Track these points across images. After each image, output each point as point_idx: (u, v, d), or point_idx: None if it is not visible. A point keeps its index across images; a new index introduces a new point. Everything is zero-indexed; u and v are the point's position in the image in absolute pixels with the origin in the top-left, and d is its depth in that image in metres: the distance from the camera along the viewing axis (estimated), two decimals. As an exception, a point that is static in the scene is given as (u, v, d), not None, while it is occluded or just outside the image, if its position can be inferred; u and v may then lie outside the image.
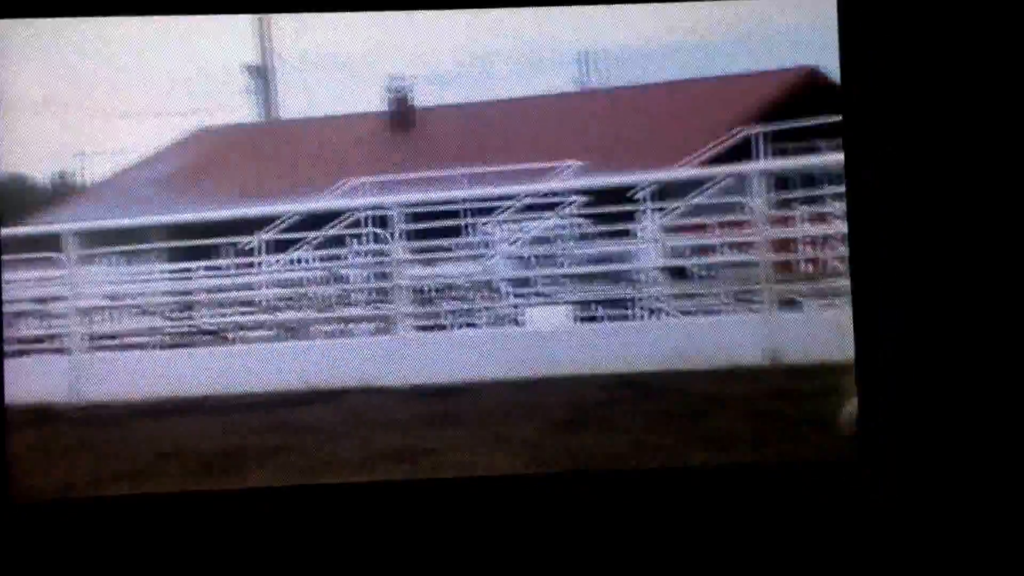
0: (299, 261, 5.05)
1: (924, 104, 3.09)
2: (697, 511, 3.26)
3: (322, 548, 3.66)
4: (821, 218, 4.95)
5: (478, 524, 3.59)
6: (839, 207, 4.92)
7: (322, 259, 5.05)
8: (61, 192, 4.73)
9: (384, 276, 5.04)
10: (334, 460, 4.49)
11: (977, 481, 3.00)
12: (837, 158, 4.66)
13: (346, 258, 5.07)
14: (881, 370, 3.11)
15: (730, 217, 5.02)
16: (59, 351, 4.78)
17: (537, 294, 5.03)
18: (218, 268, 5.02)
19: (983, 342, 3.00)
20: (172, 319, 4.92)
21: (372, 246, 5.05)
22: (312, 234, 5.04)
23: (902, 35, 3.06)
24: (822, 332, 4.62)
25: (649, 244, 5.03)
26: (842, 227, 4.74)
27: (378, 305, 5.04)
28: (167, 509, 3.91)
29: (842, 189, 4.49)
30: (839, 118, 4.74)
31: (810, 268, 4.98)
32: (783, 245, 5.00)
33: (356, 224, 5.07)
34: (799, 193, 5.00)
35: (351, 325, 5.02)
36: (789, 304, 4.90)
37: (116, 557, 3.78)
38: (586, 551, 3.48)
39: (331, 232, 5.06)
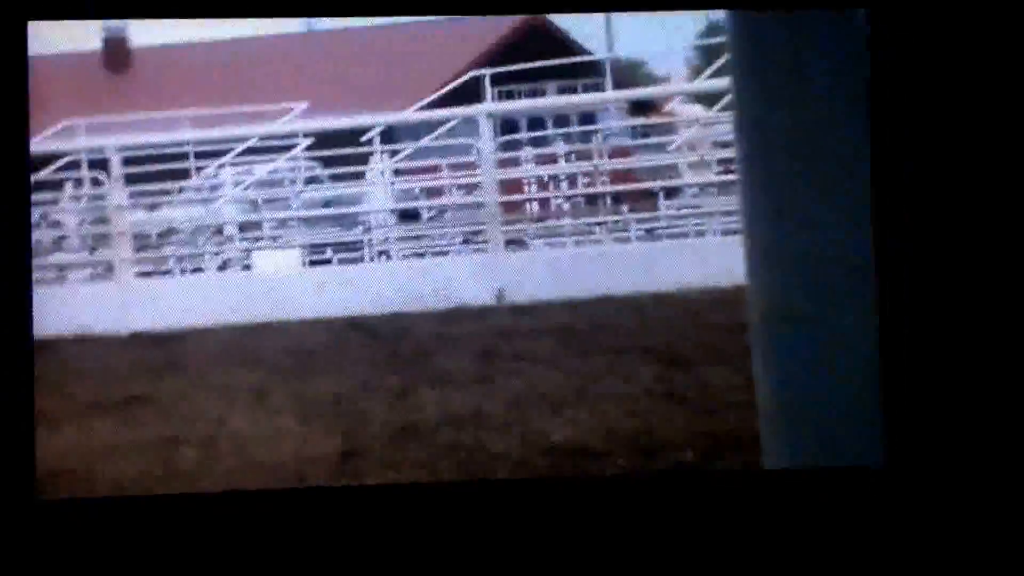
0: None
1: (951, 104, 3.13)
2: (705, 517, 3.26)
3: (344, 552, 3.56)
4: (549, 160, 5.01)
5: (475, 528, 3.53)
6: (565, 148, 5.00)
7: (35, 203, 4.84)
8: None
9: (102, 221, 4.87)
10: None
11: (1008, 486, 3.06)
12: (562, 100, 4.74)
13: (59, 203, 4.88)
14: (906, 371, 3.14)
15: (459, 159, 5.03)
16: None
17: (265, 238, 4.95)
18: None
19: (1014, 345, 3.06)
20: None
21: (91, 190, 4.88)
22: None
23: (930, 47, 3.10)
24: (546, 272, 4.70)
25: (379, 186, 5.00)
26: (567, 167, 4.82)
27: (95, 251, 4.88)
28: (188, 510, 3.76)
29: (567, 129, 4.56)
30: (564, 61, 4.81)
31: (536, 209, 5.04)
32: (511, 187, 5.04)
33: (73, 166, 4.88)
34: (526, 135, 5.05)
35: (66, 272, 4.84)
36: (517, 244, 4.96)
37: (133, 557, 3.62)
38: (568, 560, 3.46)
39: (45, 175, 4.86)
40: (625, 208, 4.98)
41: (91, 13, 4.33)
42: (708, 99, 4.96)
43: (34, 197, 4.78)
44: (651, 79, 4.97)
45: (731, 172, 4.95)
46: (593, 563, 3.36)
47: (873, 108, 2.90)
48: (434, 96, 4.91)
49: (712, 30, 4.74)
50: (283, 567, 3.51)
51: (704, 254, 4.81)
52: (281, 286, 4.83)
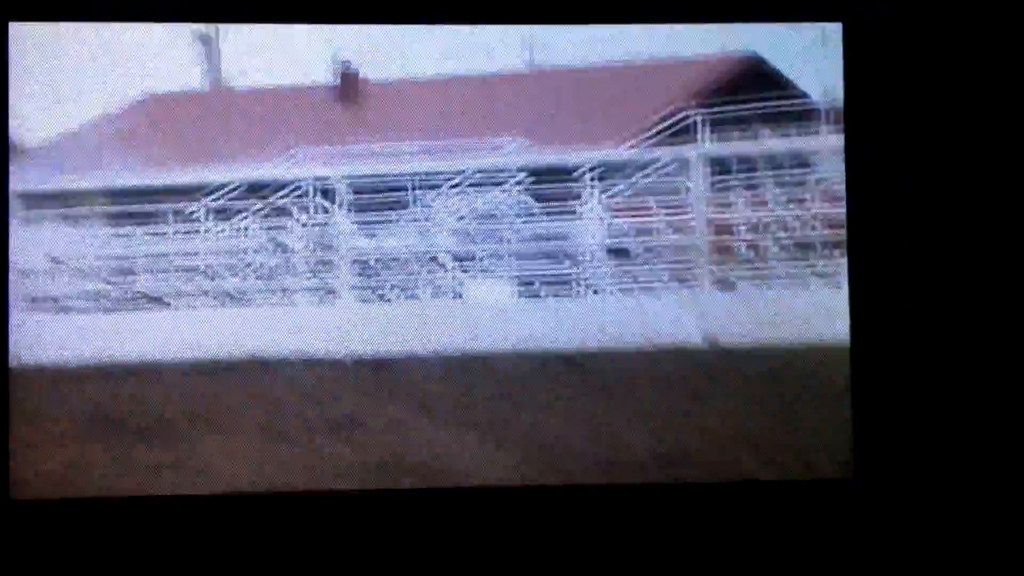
0: (245, 229, 5.08)
1: (927, 109, 3.15)
2: (687, 529, 3.32)
3: (333, 555, 3.69)
4: (761, 203, 5.04)
5: (475, 534, 3.64)
6: (777, 190, 5.02)
7: (269, 228, 5.09)
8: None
9: (327, 247, 5.08)
10: (270, 428, 4.56)
11: (982, 496, 3.05)
12: (786, 143, 4.77)
13: (291, 228, 5.11)
14: (878, 382, 3.17)
15: (670, 199, 5.09)
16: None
17: (478, 268, 5.10)
18: (163, 233, 5.04)
19: (989, 354, 3.06)
20: (113, 283, 4.94)
21: (317, 217, 5.09)
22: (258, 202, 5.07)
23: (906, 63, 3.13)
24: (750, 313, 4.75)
25: (590, 222, 5.10)
26: (781, 212, 4.85)
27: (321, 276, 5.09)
28: (164, 513, 3.94)
29: (796, 172, 4.59)
30: (784, 103, 4.84)
31: (745, 250, 5.06)
32: (720, 228, 5.08)
33: (303, 195, 5.11)
34: (737, 176, 5.08)
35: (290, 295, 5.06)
36: (725, 284, 5.00)
37: (110, 559, 3.80)
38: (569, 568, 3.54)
39: (275, 200, 5.10)
40: (838, 253, 4.97)
41: (74, 15, 4.48)
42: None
43: (264, 222, 5.01)
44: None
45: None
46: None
47: (847, 122, 2.86)
48: (647, 135, 4.99)
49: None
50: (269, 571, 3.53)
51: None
52: (493, 315, 4.97)
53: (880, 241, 3.08)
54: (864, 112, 3.09)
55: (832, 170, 4.99)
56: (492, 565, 3.57)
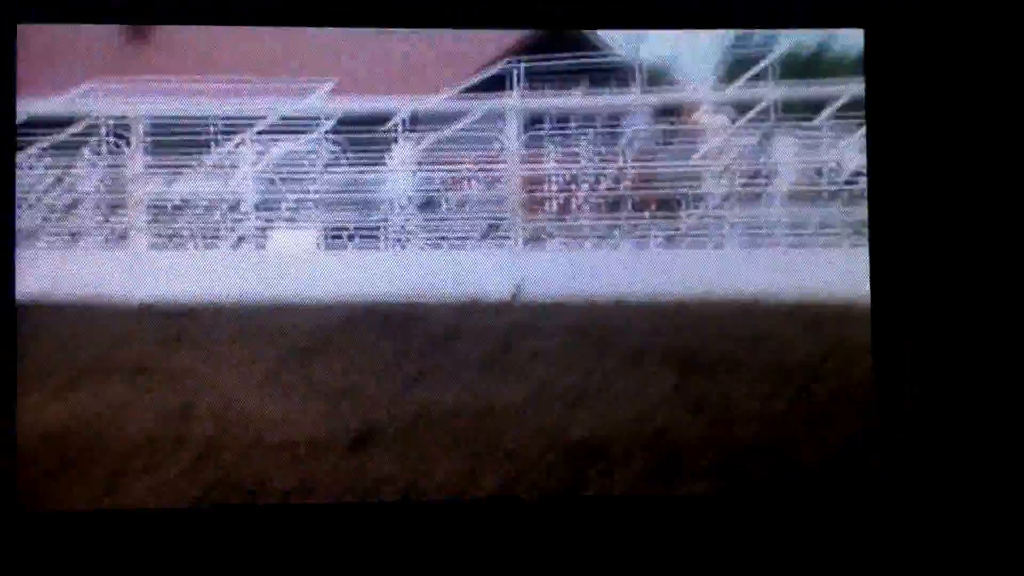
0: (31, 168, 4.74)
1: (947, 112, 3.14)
2: (694, 537, 3.23)
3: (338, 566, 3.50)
4: (574, 159, 4.99)
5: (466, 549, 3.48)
6: (590, 148, 4.99)
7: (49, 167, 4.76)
8: None
9: (120, 190, 4.79)
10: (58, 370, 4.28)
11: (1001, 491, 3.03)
12: (592, 99, 4.73)
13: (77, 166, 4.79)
14: (901, 382, 3.13)
15: (484, 151, 5.00)
16: None
17: (282, 218, 4.89)
18: None
19: (1009, 352, 3.05)
20: None
21: (109, 156, 4.79)
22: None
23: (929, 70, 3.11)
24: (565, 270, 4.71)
25: (400, 173, 4.96)
26: (592, 167, 4.81)
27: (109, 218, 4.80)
28: (173, 524, 3.71)
29: (609, 128, 4.55)
30: (595, 60, 4.81)
31: (557, 207, 5.02)
32: (533, 183, 5.02)
33: (93, 131, 4.80)
34: (550, 131, 5.03)
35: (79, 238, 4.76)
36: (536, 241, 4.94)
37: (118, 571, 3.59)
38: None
39: (64, 138, 4.77)
40: (647, 213, 4.97)
41: (82, 17, 4.35)
42: (736, 109, 4.95)
43: (50, 160, 4.70)
44: (679, 86, 4.96)
45: (754, 184, 4.96)
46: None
47: (870, 127, 2.92)
48: (463, 85, 4.88)
49: (741, 41, 4.74)
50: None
51: (724, 264, 4.81)
52: (297, 266, 4.78)
53: (901, 242, 3.08)
54: (885, 117, 3.09)
55: (643, 127, 5.00)
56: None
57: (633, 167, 4.96)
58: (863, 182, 4.54)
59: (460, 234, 4.92)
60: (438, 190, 4.95)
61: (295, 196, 4.88)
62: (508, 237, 4.91)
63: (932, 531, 2.97)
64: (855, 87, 4.48)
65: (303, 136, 4.90)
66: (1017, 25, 2.92)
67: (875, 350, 2.95)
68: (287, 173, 4.89)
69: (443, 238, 4.91)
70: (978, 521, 2.91)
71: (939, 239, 2.95)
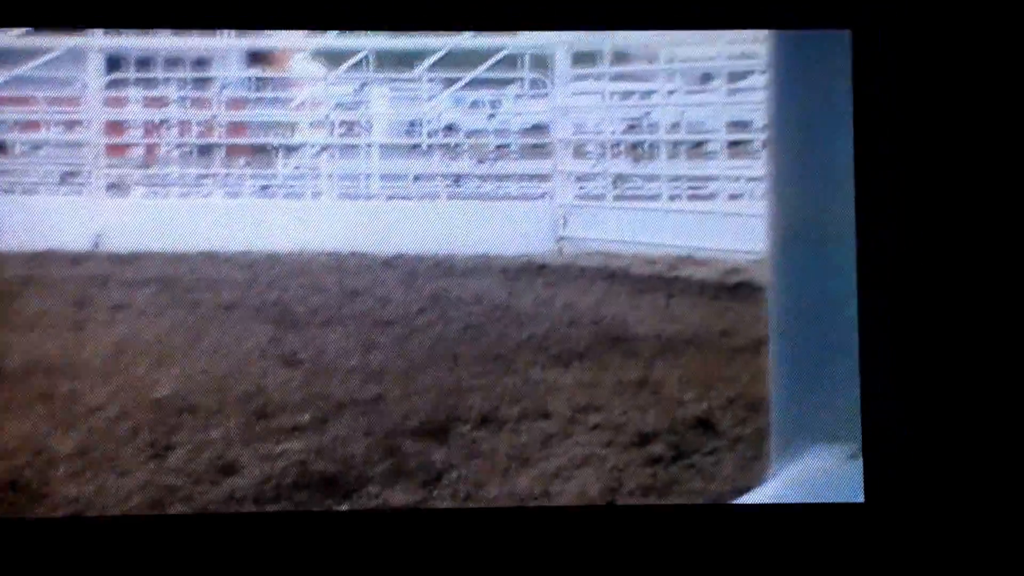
0: None
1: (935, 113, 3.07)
2: (688, 551, 3.01)
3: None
4: (160, 103, 4.75)
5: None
6: (178, 93, 4.74)
7: None
8: None
9: None
10: None
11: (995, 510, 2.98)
12: (179, 41, 4.50)
13: None
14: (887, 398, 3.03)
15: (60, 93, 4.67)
16: None
17: None
18: None
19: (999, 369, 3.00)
20: None
21: None
22: None
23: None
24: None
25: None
26: (180, 113, 4.59)
27: None
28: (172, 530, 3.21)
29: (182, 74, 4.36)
30: None
31: (142, 154, 4.76)
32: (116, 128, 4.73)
33: None
34: (135, 75, 4.76)
35: None
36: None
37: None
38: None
39: None
40: (241, 162, 4.79)
41: (55, 21, 3.74)
42: (332, 59, 4.86)
43: None
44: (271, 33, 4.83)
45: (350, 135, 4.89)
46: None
47: (857, 129, 2.99)
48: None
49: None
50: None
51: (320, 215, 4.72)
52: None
53: (889, 247, 3.03)
54: (872, 119, 3.03)
55: (233, 75, 4.81)
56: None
57: (225, 116, 4.76)
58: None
59: (34, 179, 4.57)
60: (10, 132, 4.57)
61: None
62: (87, 184, 4.60)
63: (931, 531, 3.05)
64: (452, 41, 4.51)
65: None
66: (1006, 25, 3.02)
67: (862, 350, 3.00)
68: None
69: (16, 183, 4.54)
70: (974, 521, 3.00)
71: (926, 239, 3.03)
